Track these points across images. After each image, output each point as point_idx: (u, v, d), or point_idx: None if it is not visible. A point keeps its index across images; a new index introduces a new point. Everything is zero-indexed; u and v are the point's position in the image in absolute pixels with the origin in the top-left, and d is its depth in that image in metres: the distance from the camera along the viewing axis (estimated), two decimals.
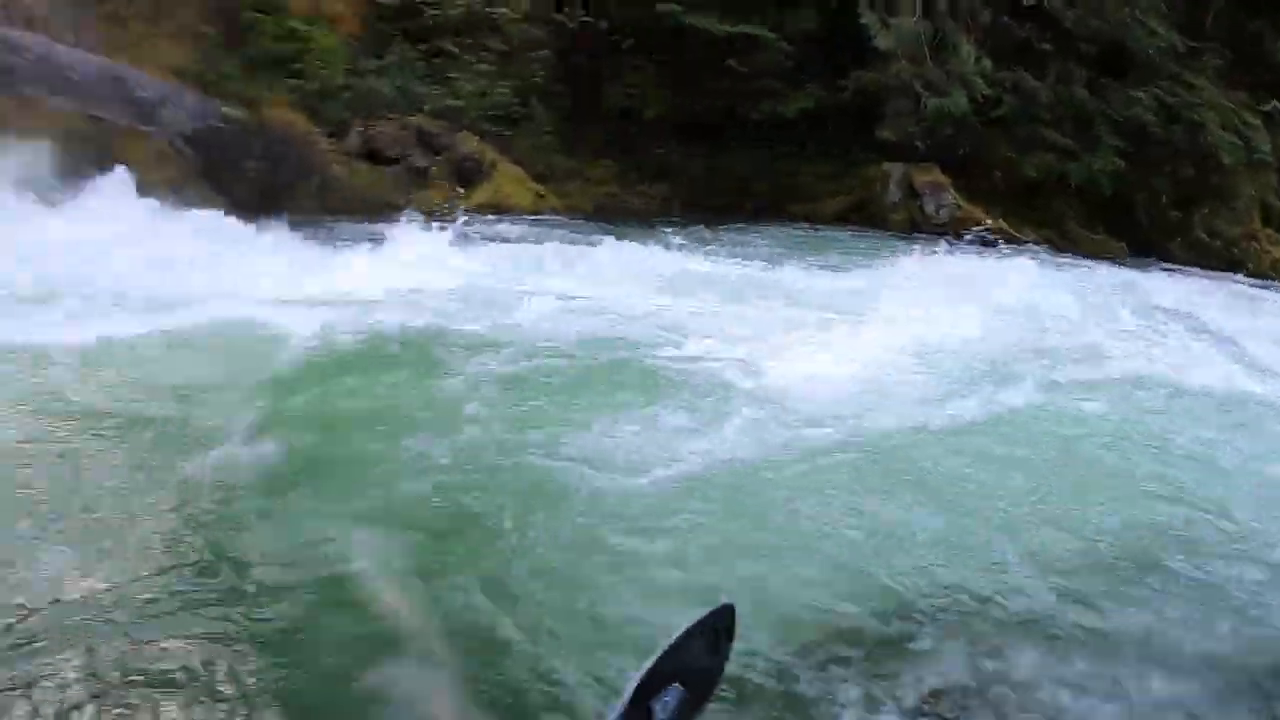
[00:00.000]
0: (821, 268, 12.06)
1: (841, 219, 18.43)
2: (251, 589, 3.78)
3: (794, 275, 11.40)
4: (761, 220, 17.34)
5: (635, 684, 2.33)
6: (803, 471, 5.21)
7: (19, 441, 4.92)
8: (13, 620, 3.42)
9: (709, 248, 12.80)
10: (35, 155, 17.04)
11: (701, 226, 15.19)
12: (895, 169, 18.94)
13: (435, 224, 11.77)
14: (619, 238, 12.72)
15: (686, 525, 4.48)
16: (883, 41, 18.56)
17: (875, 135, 18.88)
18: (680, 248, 12.47)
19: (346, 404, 5.94)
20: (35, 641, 3.32)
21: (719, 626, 2.67)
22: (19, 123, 21.49)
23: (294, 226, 12.30)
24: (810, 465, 5.28)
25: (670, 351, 7.31)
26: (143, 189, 15.10)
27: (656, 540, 4.30)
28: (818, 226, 17.60)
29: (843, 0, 18.59)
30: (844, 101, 18.94)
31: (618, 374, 6.78)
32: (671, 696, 2.35)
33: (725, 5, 18.00)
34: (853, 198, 19.14)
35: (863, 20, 18.49)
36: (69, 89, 12.84)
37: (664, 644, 2.45)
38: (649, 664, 2.38)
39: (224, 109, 15.71)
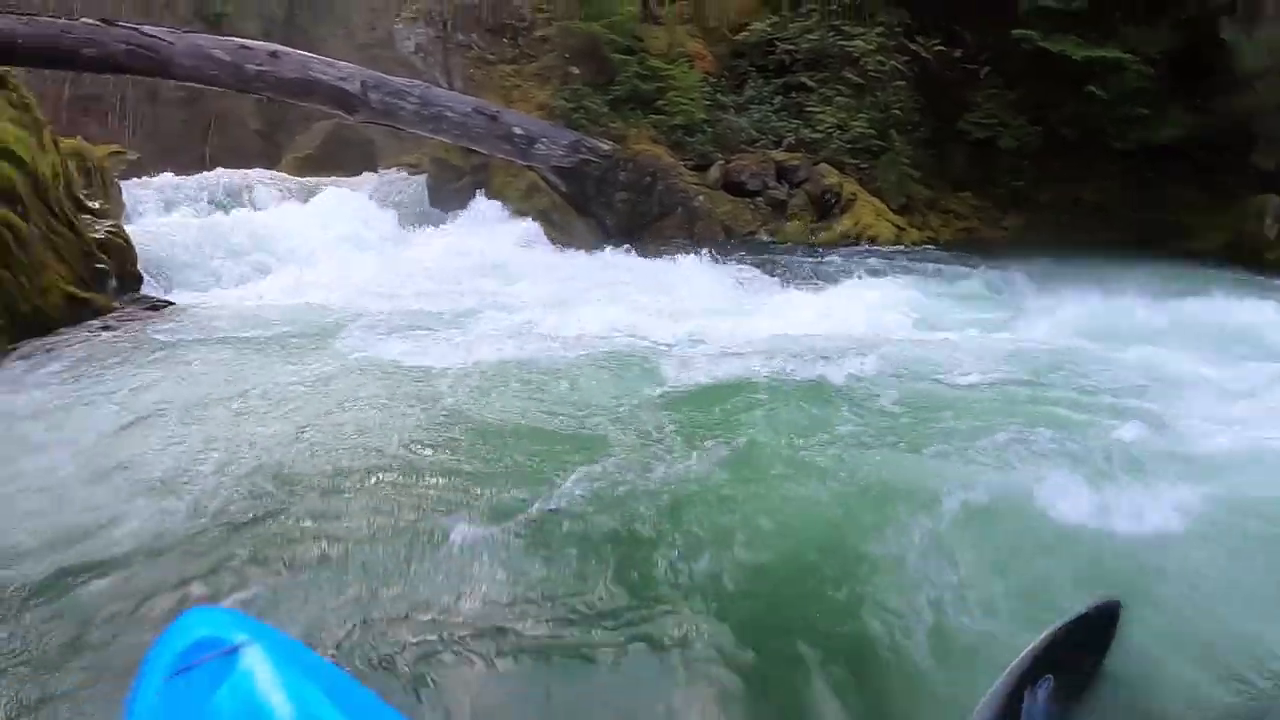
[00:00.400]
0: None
1: (1213, 255, 16.49)
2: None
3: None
4: (1126, 255, 15.71)
5: (1009, 672, 2.26)
6: None
7: (434, 451, 4.88)
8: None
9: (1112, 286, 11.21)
10: (416, 186, 18.26)
11: (1073, 260, 13.90)
12: (1274, 201, 17.01)
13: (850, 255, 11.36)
14: (1004, 271, 12.16)
15: None
16: (1249, 58, 16.82)
17: (1250, 162, 17.12)
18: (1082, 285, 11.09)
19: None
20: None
21: (1101, 622, 2.57)
22: (401, 158, 23.19)
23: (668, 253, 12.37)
24: None
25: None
26: (516, 217, 15.84)
27: None
28: (1192, 263, 15.71)
29: (1201, 10, 17.02)
30: (1213, 126, 17.26)
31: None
32: (1044, 688, 2.26)
33: (1083, 28, 16.93)
34: (1226, 232, 17.26)
35: (1224, 35, 16.88)
36: (447, 127, 13.42)
37: (1042, 634, 2.38)
38: (1024, 653, 2.31)
39: (595, 144, 16.05)
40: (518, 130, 13.99)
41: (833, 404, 5.60)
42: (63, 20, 11.78)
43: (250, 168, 25.48)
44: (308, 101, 12.55)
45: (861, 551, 3.73)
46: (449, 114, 12.92)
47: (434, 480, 4.50)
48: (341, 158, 24.90)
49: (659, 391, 5.98)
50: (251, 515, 4.05)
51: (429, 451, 4.85)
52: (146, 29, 11.82)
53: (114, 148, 20.26)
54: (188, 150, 37.03)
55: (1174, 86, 16.99)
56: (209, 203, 16.49)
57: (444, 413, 5.45)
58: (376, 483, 4.45)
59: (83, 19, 11.86)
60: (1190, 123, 16.88)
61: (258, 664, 1.95)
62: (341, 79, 11.92)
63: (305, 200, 16.69)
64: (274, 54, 11.66)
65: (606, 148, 15.97)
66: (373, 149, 25.93)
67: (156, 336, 7.98)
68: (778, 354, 6.78)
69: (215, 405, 5.66)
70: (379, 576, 3.54)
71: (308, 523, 4.03)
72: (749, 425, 5.20)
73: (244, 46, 11.91)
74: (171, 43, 11.45)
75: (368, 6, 46.91)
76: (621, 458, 4.61)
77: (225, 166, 26.99)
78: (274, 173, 21.95)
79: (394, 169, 22.11)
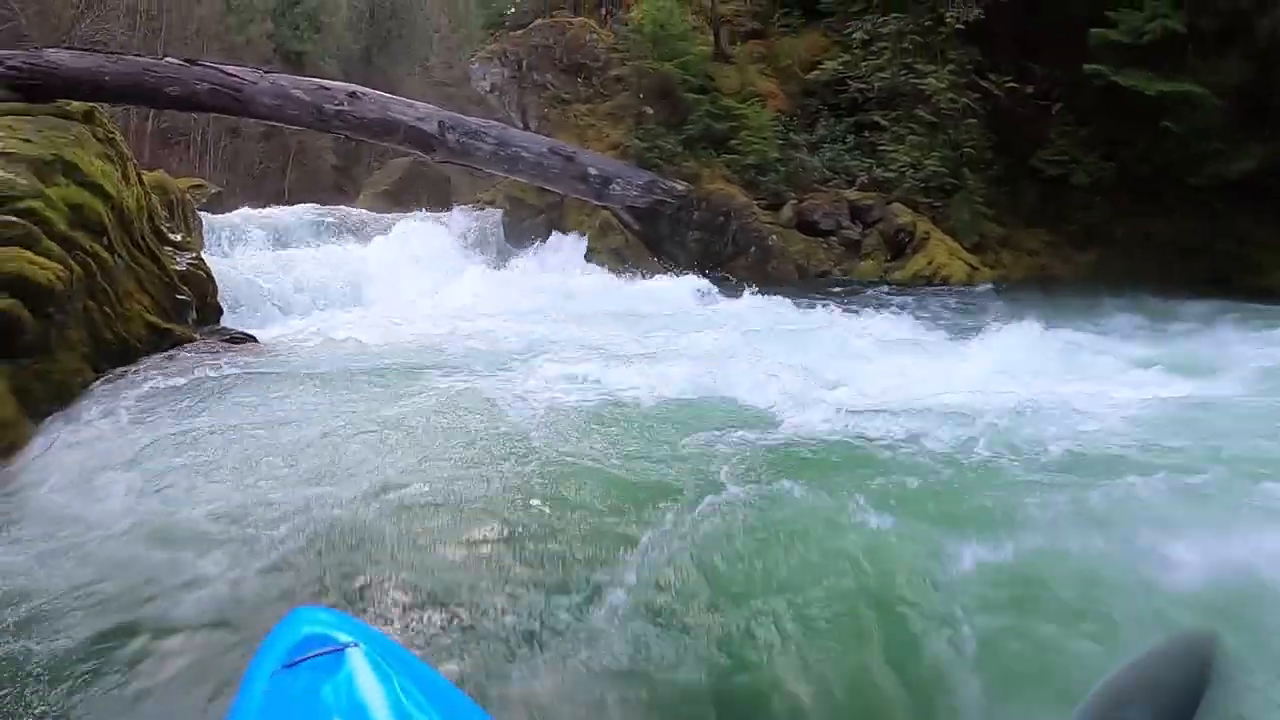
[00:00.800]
0: None
1: None
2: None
3: None
4: (1203, 294, 15.17)
5: (1095, 696, 2.00)
6: None
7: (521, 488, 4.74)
8: None
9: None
10: (492, 223, 18.53)
11: (1156, 299, 13.53)
12: None
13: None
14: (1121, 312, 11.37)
15: None
16: None
17: None
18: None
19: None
20: None
21: (1198, 653, 2.15)
22: (477, 195, 23.54)
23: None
24: None
25: None
26: (590, 255, 15.98)
27: None
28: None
29: (1271, 41, 16.69)
30: None
31: None
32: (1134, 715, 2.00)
33: (1154, 62, 16.72)
34: None
35: None
36: (523, 167, 13.71)
37: (1134, 660, 2.11)
38: (1111, 677, 2.04)
39: (670, 184, 16.22)
40: (593, 170, 14.23)
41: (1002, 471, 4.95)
42: (147, 59, 12.19)
43: (327, 202, 25.96)
44: (387, 141, 12.87)
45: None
46: (525, 154, 13.20)
47: (524, 517, 4.46)
48: (418, 193, 25.22)
49: (765, 442, 5.49)
50: (343, 535, 4.15)
51: (519, 489, 4.73)
52: (228, 69, 12.18)
53: (196, 181, 20.82)
54: (266, 184, 37.91)
55: (1246, 119, 16.72)
56: (288, 236, 16.71)
57: (537, 451, 5.28)
58: (466, 517, 4.43)
59: (167, 58, 12.27)
60: (1264, 155, 16.58)
61: (362, 664, 2.02)
62: (420, 119, 12.20)
63: (380, 235, 16.99)
64: (353, 94, 11.97)
65: (681, 188, 16.16)
66: (448, 185, 26.33)
67: (235, 369, 8.02)
68: (941, 414, 5.85)
69: (296, 436, 5.67)
70: (467, 598, 3.61)
71: (398, 544, 4.11)
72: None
73: (323, 87, 12.23)
74: (253, 82, 11.80)
75: (445, 46, 47.92)
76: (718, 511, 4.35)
77: (303, 200, 27.55)
78: (352, 208, 22.27)
79: (470, 205, 22.43)
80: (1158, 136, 16.74)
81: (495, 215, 19.12)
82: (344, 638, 2.13)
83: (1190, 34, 16.37)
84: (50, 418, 6.07)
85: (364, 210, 21.94)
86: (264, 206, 21.98)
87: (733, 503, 4.28)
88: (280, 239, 16.33)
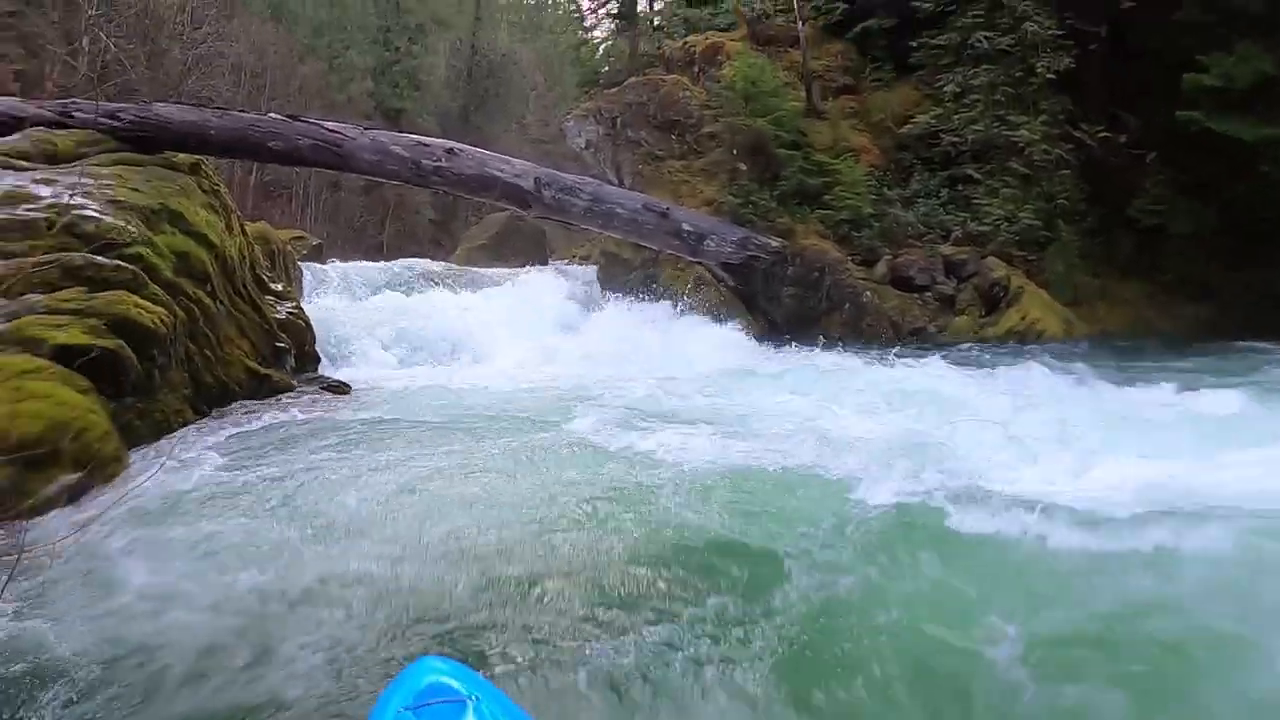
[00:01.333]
0: None
1: None
2: None
3: None
4: None
5: None
6: None
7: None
8: None
9: None
10: (588, 278, 18.81)
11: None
12: None
13: None
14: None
15: None
16: None
17: None
18: None
19: None
20: None
21: None
22: (571, 250, 23.91)
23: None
24: None
25: None
26: (685, 310, 16.12)
27: None
28: None
29: None
30: None
31: None
32: None
33: (1251, 106, 16.39)
34: None
35: None
36: (618, 224, 13.96)
37: None
38: None
39: (765, 241, 16.38)
40: (687, 227, 14.50)
41: None
42: (252, 115, 12.67)
43: (424, 255, 26.49)
44: (484, 197, 13.22)
45: None
46: (619, 210, 13.48)
47: (633, 576, 4.38)
48: (514, 248, 25.67)
49: (860, 510, 5.04)
50: (455, 585, 4.20)
51: (639, 543, 4.69)
52: (329, 125, 12.62)
53: (297, 233, 21.44)
54: (365, 237, 38.82)
55: None
56: (387, 287, 17.05)
57: (655, 508, 5.19)
58: (580, 572, 4.40)
59: (270, 114, 12.73)
60: None
61: (480, 717, 2.14)
62: (517, 176, 12.55)
63: (479, 288, 17.28)
64: (451, 150, 12.33)
65: (776, 244, 16.32)
66: (544, 240, 26.78)
67: (331, 416, 8.27)
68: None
69: (398, 483, 5.74)
70: (577, 654, 3.59)
71: (510, 597, 4.12)
72: None
73: (421, 143, 12.62)
74: (353, 138, 12.23)
75: (540, 104, 48.81)
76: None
77: (401, 253, 28.15)
78: (449, 262, 22.71)
79: (565, 260, 22.76)
80: (1259, 182, 16.31)
81: (591, 271, 19.42)
82: (465, 689, 2.25)
83: None
84: (151, 454, 6.28)
85: (461, 264, 22.40)
86: (363, 259, 22.56)
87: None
88: (379, 290, 16.68)
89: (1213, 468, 5.54)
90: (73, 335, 6.50)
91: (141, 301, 7.18)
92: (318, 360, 10.86)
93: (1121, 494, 5.01)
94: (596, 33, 40.55)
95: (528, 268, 21.11)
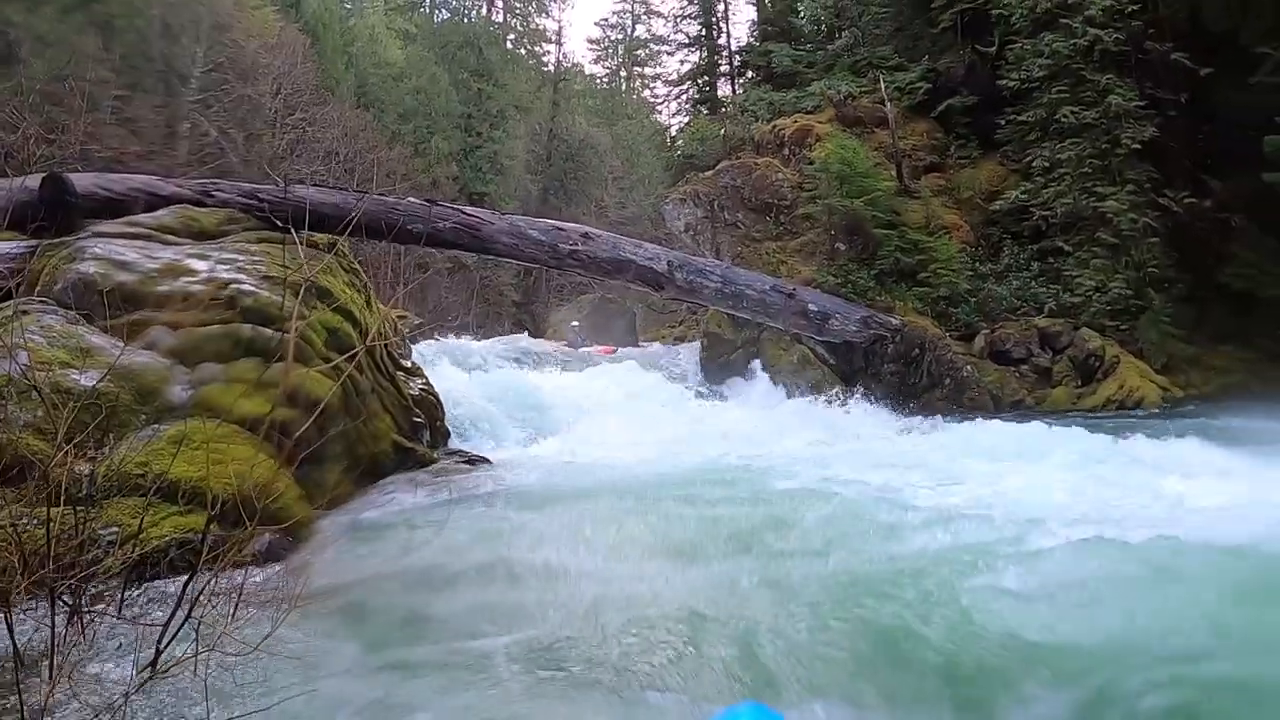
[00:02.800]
0: None
1: None
2: None
3: None
4: None
5: None
6: None
7: None
8: None
9: None
10: (688, 357, 19.29)
11: None
12: None
13: None
14: None
15: None
16: None
17: None
18: None
19: None
20: None
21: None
22: (660, 331, 24.45)
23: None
24: None
25: None
26: (790, 390, 16.42)
27: None
28: None
29: None
30: None
31: None
32: None
33: None
34: None
35: None
36: (746, 304, 14.43)
37: None
38: None
39: (885, 319, 16.78)
40: (813, 307, 15.14)
41: None
42: (393, 198, 13.31)
43: (507, 334, 27.15)
44: (617, 279, 13.89)
45: None
46: (749, 291, 14.14)
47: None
48: (605, 328, 26.33)
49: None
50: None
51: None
52: (467, 210, 13.34)
53: (400, 311, 22.14)
54: (451, 316, 39.67)
55: None
56: (493, 365, 17.40)
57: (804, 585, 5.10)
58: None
59: (409, 198, 13.36)
60: None
61: None
62: (650, 259, 13.21)
63: (580, 368, 17.72)
64: (586, 235, 13.04)
65: (896, 322, 16.82)
66: (634, 321, 27.42)
67: (482, 488, 8.63)
68: None
69: (558, 551, 5.99)
70: None
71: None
72: None
73: (558, 228, 13.33)
74: (492, 223, 12.95)
75: (618, 186, 49.96)
76: None
77: (486, 333, 28.86)
78: (548, 341, 23.20)
79: (656, 340, 23.30)
80: None
81: (690, 349, 19.92)
82: None
83: None
84: (326, 520, 6.69)
85: (555, 344, 23.00)
86: (451, 337, 23.19)
87: None
88: (487, 369, 17.07)
89: None
90: (257, 404, 6.94)
91: (313, 374, 7.54)
92: (448, 435, 11.11)
93: None
94: (675, 119, 41.69)
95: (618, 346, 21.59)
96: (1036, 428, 11.82)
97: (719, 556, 5.81)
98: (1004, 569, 5.06)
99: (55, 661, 3.40)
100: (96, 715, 3.37)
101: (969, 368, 17.16)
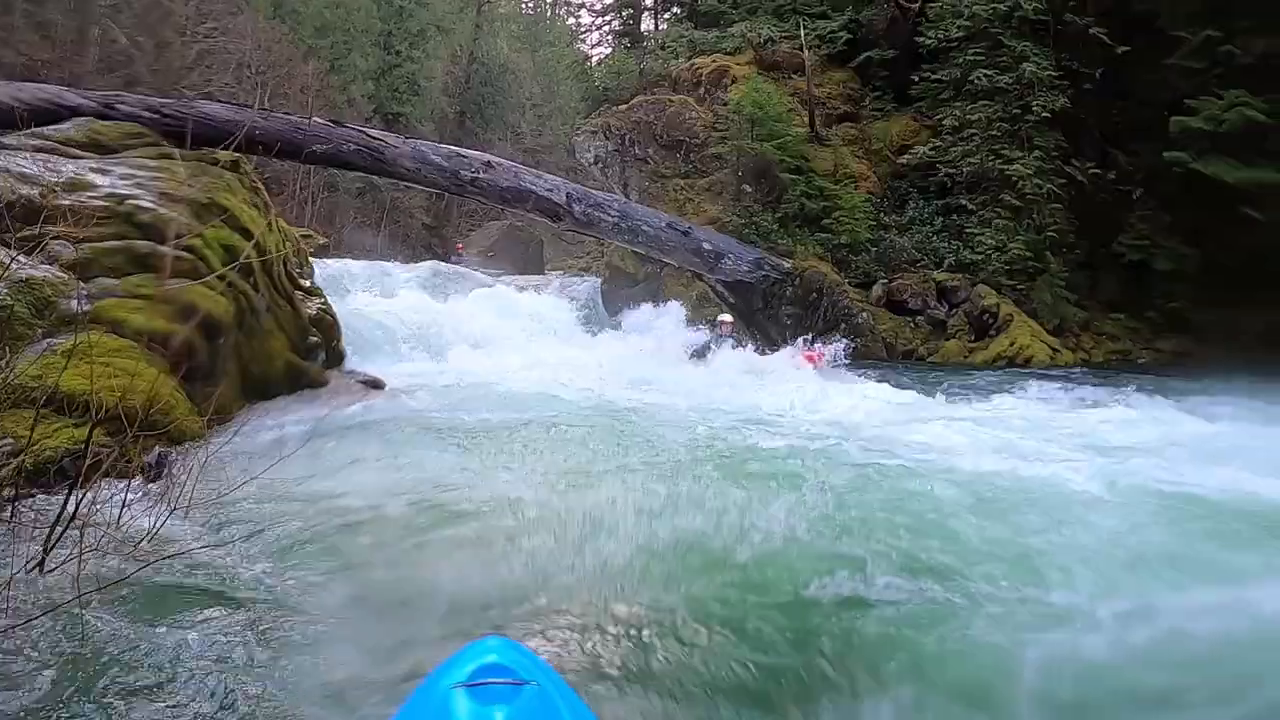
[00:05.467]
0: None
1: None
2: None
3: None
4: None
5: None
6: None
7: None
8: None
9: None
10: (589, 289, 19.30)
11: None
12: None
13: None
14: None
15: None
16: None
17: None
18: None
19: None
20: None
21: None
22: (567, 261, 24.42)
23: None
24: None
25: None
26: (689, 324, 16.50)
27: None
28: None
29: None
30: None
31: None
32: None
33: (1236, 149, 16.93)
34: None
35: None
36: (642, 239, 14.53)
37: None
38: None
39: (777, 262, 16.99)
40: (707, 245, 15.29)
41: None
42: (297, 117, 13.15)
43: (418, 258, 26.86)
44: (517, 208, 13.89)
45: None
46: (645, 227, 14.22)
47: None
48: (511, 256, 26.24)
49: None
50: (510, 570, 4.47)
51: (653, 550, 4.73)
52: (372, 133, 13.25)
53: (305, 231, 21.78)
54: (359, 238, 39.06)
55: None
56: (396, 287, 17.19)
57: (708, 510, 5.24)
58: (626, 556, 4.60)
59: (315, 119, 13.20)
60: None
61: (540, 703, 2.07)
62: (550, 190, 13.24)
63: (487, 290, 17.57)
64: (489, 164, 13.00)
65: (787, 265, 17.03)
66: (540, 250, 27.33)
67: (372, 410, 8.62)
68: None
69: (446, 471, 6.19)
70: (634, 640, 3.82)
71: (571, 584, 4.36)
72: None
73: (460, 154, 13.29)
74: (396, 146, 12.87)
75: (536, 114, 49.38)
76: None
77: (395, 255, 28.50)
78: (452, 265, 22.96)
79: (561, 271, 23.23)
80: (1240, 224, 16.65)
81: (592, 282, 19.92)
82: (525, 672, 2.18)
83: (1271, 121, 16.64)
84: (218, 435, 6.47)
85: (467, 268, 22.79)
86: (358, 259, 22.88)
87: None
88: (390, 290, 16.88)
89: None
90: (151, 319, 6.99)
91: (205, 290, 7.55)
92: (343, 356, 10.95)
93: None
94: (597, 50, 41.23)
95: (520, 275, 21.48)
96: None
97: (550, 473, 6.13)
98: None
99: None
100: None
101: (865, 315, 17.49)
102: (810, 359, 13.62)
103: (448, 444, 7.16)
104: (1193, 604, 3.99)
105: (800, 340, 14.71)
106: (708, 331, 14.24)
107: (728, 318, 14.42)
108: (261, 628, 3.75)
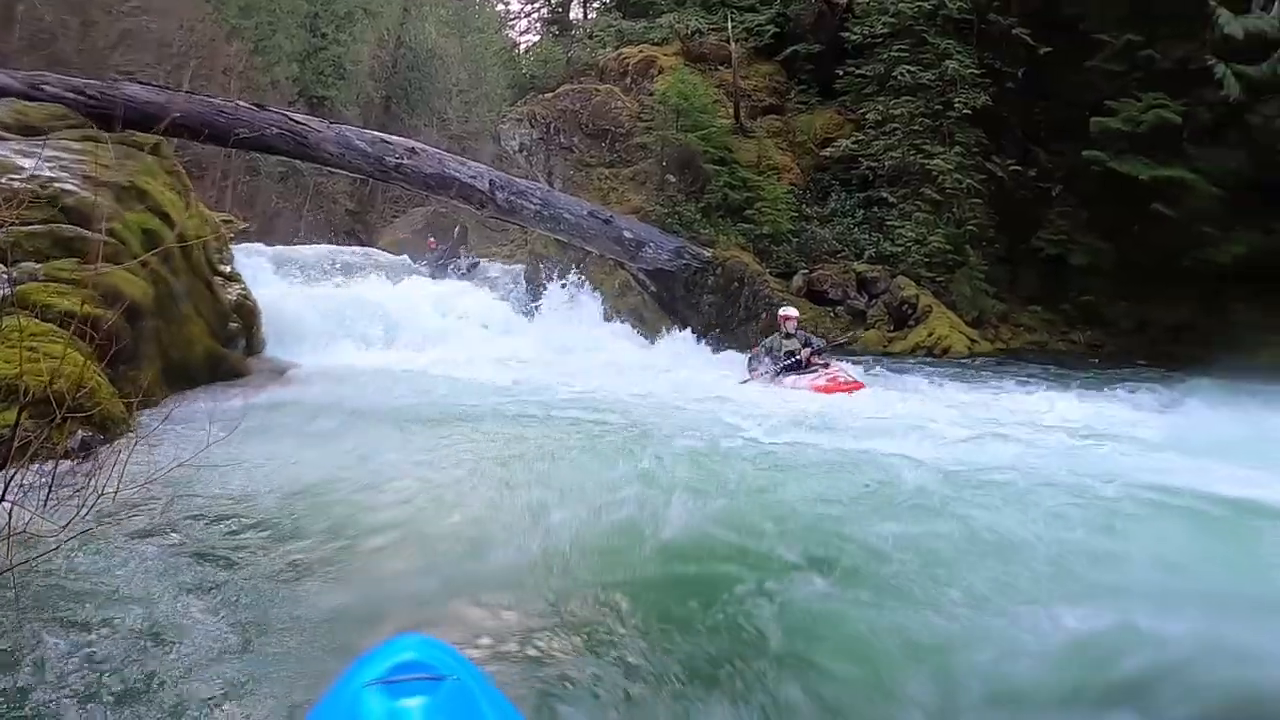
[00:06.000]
0: None
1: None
2: None
3: None
4: (1192, 372, 14.84)
5: None
6: None
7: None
8: None
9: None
10: (513, 276, 19.32)
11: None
12: None
13: None
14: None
15: None
16: None
17: None
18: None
19: None
20: None
21: None
22: (491, 249, 24.32)
23: None
24: None
25: None
26: (607, 313, 16.64)
27: None
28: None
29: (1263, 133, 16.74)
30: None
31: None
32: None
33: (1150, 149, 17.40)
34: None
35: None
36: (564, 227, 14.60)
37: None
38: None
39: (698, 251, 17.08)
40: (628, 234, 15.36)
41: None
42: (220, 100, 13.05)
43: (341, 244, 26.60)
44: (441, 195, 13.87)
45: None
46: (567, 215, 14.28)
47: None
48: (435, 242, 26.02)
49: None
50: (441, 564, 4.52)
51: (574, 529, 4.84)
52: (296, 117, 13.15)
53: (225, 216, 21.50)
54: (281, 223, 38.57)
55: (1239, 206, 16.87)
56: (316, 273, 17.09)
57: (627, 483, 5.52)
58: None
59: (238, 102, 13.10)
60: (1255, 241, 16.73)
61: (457, 697, 2.01)
62: (473, 177, 13.24)
63: (404, 279, 17.55)
64: (413, 150, 12.97)
65: (708, 254, 17.15)
66: (465, 237, 27.18)
67: (289, 398, 8.71)
68: None
69: (361, 461, 6.26)
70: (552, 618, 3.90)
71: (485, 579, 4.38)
72: None
73: (385, 140, 13.26)
74: (319, 130, 12.79)
75: (463, 100, 48.94)
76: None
77: (317, 240, 28.19)
78: (372, 250, 22.85)
79: (486, 258, 23.15)
80: (1153, 221, 17.26)
81: (516, 269, 19.92)
82: (443, 667, 2.13)
83: (1186, 124, 17.11)
84: (140, 418, 6.69)
85: (387, 253, 22.65)
86: (280, 244, 22.62)
87: None
88: (310, 276, 16.76)
89: None
90: (74, 303, 6.93)
91: (127, 275, 7.57)
92: (264, 343, 11.11)
93: None
94: (525, 37, 41.02)
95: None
96: None
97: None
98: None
99: None
100: None
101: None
102: (840, 387, 11.05)
103: (365, 432, 7.25)
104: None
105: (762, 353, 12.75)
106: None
107: (793, 311, 13.25)
108: (163, 624, 3.74)
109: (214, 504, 5.26)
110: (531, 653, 3.62)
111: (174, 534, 4.78)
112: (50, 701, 3.06)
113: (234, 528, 4.93)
